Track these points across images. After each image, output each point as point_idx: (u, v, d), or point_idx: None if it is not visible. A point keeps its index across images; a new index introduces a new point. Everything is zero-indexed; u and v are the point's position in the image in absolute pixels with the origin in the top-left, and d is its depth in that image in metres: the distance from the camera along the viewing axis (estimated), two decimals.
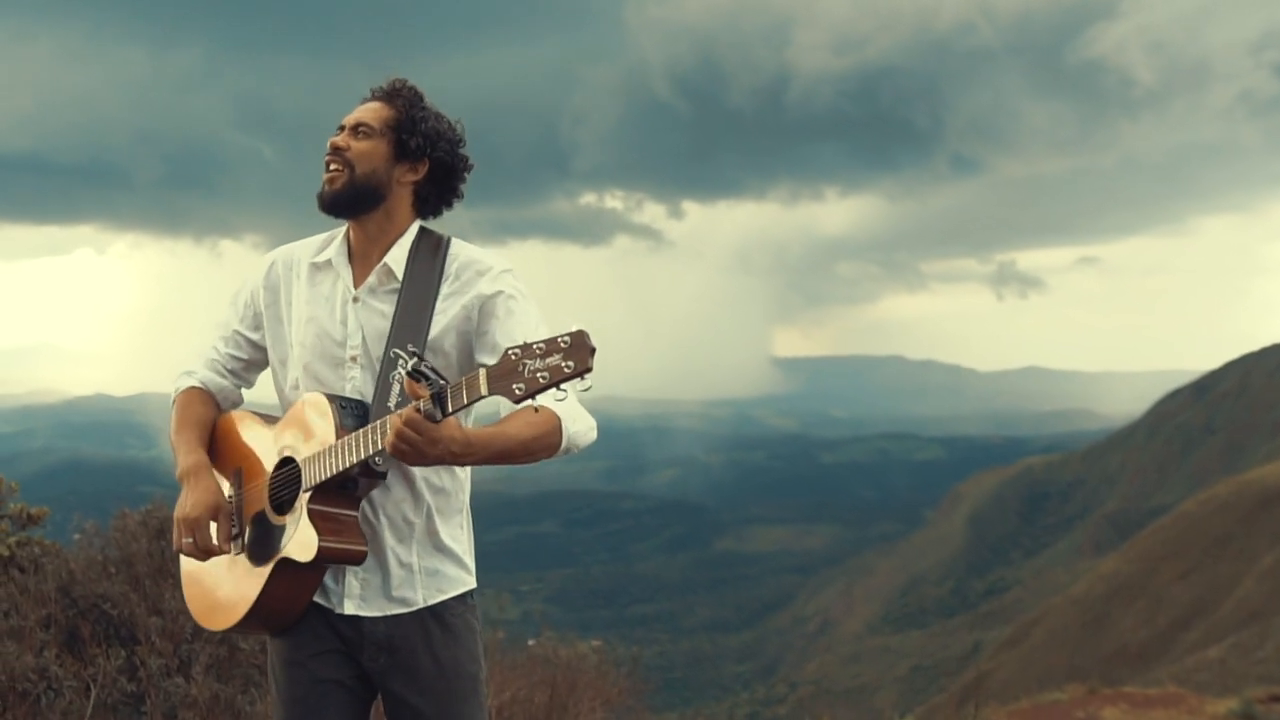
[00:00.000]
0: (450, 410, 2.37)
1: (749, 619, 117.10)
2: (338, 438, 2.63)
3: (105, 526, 6.26)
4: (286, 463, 2.76)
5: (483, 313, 2.78)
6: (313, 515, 2.65)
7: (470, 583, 2.92)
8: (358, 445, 2.57)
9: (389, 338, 2.76)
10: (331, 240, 2.93)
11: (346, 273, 2.86)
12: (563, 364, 2.26)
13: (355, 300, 2.83)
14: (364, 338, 2.80)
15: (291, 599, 2.77)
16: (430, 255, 2.84)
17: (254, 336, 2.97)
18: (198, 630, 5.43)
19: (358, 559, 2.72)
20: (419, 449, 2.42)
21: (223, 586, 2.83)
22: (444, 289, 2.81)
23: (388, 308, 2.80)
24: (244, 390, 3.06)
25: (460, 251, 2.86)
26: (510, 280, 2.82)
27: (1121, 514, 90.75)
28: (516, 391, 2.28)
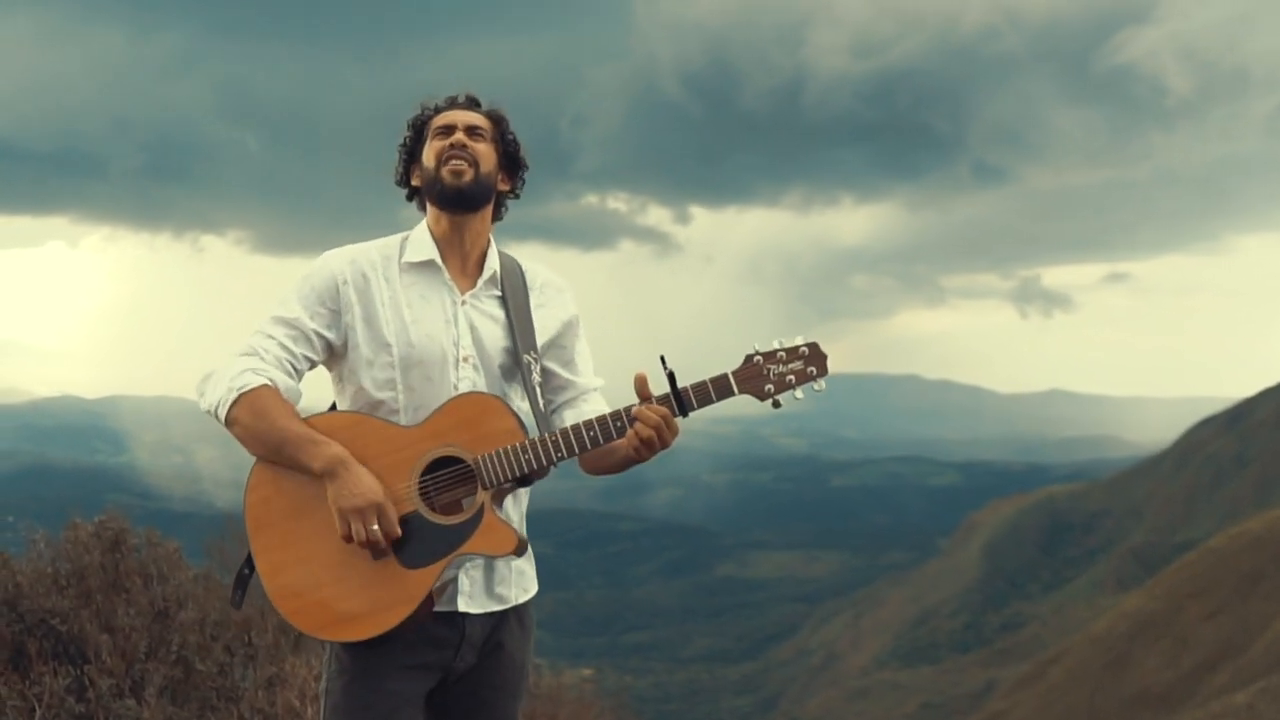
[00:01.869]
0: (696, 407, 2.91)
1: (750, 650, 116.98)
2: (525, 437, 2.93)
3: (58, 536, 6.21)
4: (444, 462, 2.93)
5: (569, 331, 3.23)
6: (495, 513, 2.92)
7: (537, 584, 3.26)
8: (569, 441, 2.92)
9: (513, 341, 3.08)
10: (408, 241, 3.14)
11: (447, 274, 3.10)
12: (806, 369, 2.92)
13: (464, 303, 3.08)
14: (475, 340, 3.06)
15: (438, 595, 2.99)
16: (510, 265, 3.19)
17: (330, 336, 3.05)
18: (151, 650, 5.40)
19: (526, 549, 3.07)
20: (666, 442, 2.92)
21: (364, 591, 2.90)
22: (532, 300, 3.17)
23: (498, 312, 3.11)
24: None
25: (529, 264, 3.25)
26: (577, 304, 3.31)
27: (1147, 548, 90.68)
28: (768, 391, 2.90)
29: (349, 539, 2.84)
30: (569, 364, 3.23)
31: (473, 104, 3.17)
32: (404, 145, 3.19)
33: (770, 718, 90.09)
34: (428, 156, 3.09)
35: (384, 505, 2.84)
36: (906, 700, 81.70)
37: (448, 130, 3.08)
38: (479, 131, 3.10)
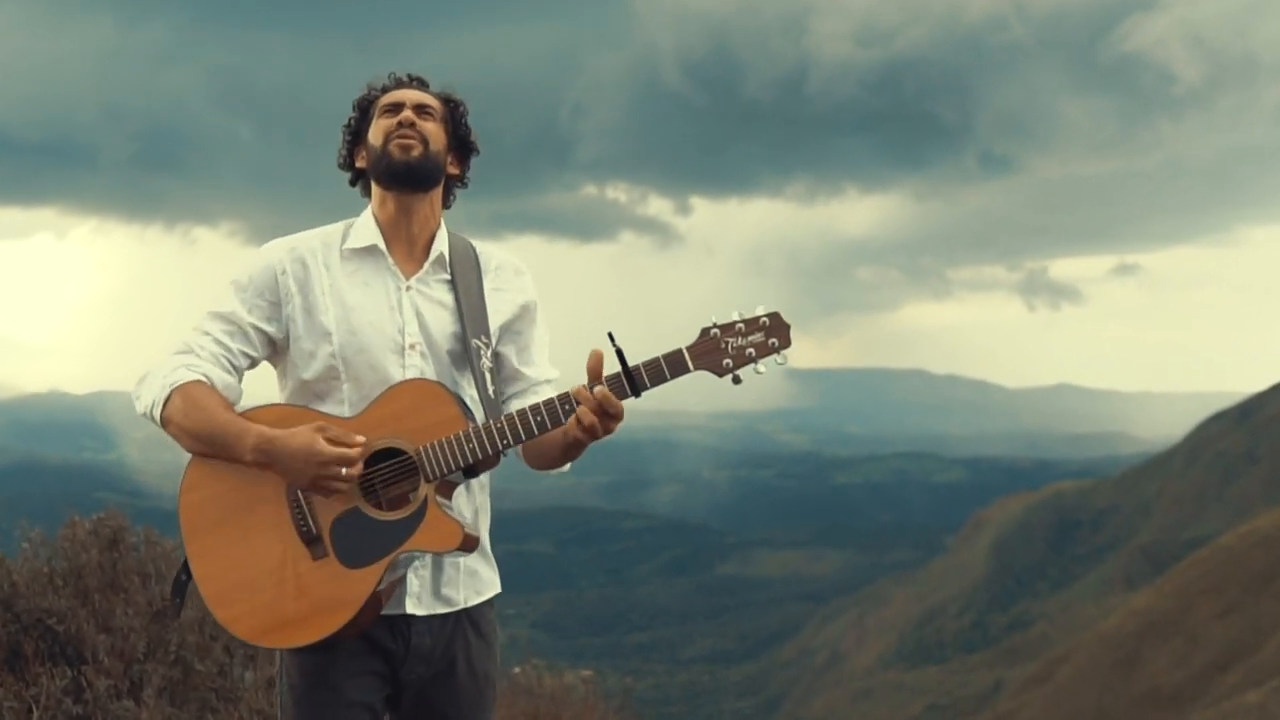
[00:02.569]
0: (650, 386, 2.76)
1: (752, 650, 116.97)
2: (468, 425, 2.82)
3: (53, 535, 6.23)
4: (387, 454, 2.83)
5: (525, 315, 3.13)
6: (440, 506, 2.81)
7: (499, 586, 3.14)
8: (514, 428, 2.80)
9: (462, 327, 2.98)
10: (351, 228, 3.05)
11: (391, 259, 3.01)
12: (767, 340, 2.75)
13: (408, 289, 3.00)
14: (421, 326, 2.97)
15: (386, 597, 2.87)
16: (461, 248, 3.10)
17: (269, 330, 2.97)
18: (150, 650, 5.42)
19: (476, 545, 2.91)
20: (609, 427, 2.78)
21: (304, 594, 2.81)
22: (486, 284, 3.07)
23: (446, 297, 3.02)
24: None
25: (484, 247, 3.15)
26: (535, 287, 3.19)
27: (1157, 545, 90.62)
28: (726, 365, 2.74)
29: (327, 494, 2.78)
30: (523, 351, 3.13)
31: (421, 84, 3.10)
32: (348, 126, 3.10)
33: (773, 719, 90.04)
34: (374, 135, 3.00)
35: (326, 455, 2.72)
36: (912, 701, 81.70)
37: (396, 108, 3.00)
38: (428, 110, 3.02)
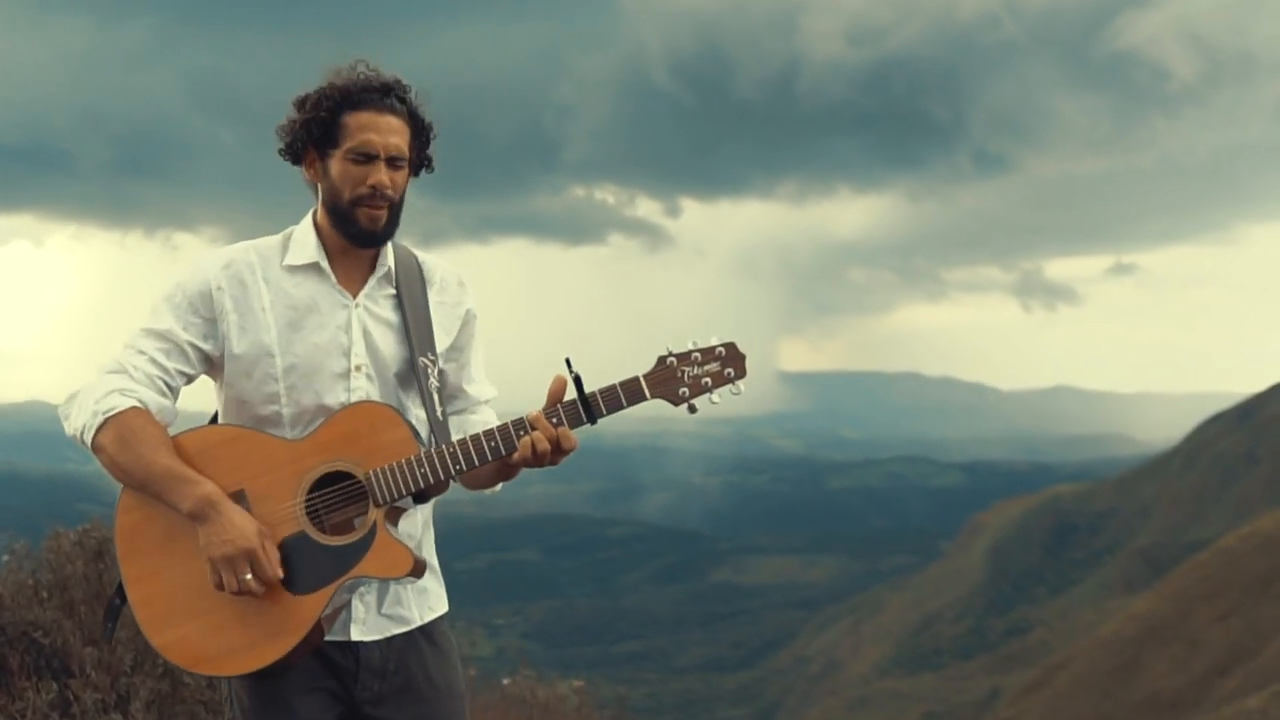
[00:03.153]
0: (606, 414, 2.79)
1: (747, 658, 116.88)
2: (419, 449, 2.78)
3: (37, 547, 6.22)
4: (333, 478, 2.79)
5: (465, 329, 3.07)
6: (389, 531, 2.79)
7: (447, 604, 3.11)
8: (467, 452, 2.78)
9: (409, 346, 2.92)
10: (291, 240, 2.94)
11: (334, 276, 2.92)
12: (723, 371, 2.81)
13: (356, 307, 2.92)
14: (368, 347, 2.90)
15: (329, 624, 2.85)
16: (405, 261, 3.00)
17: (206, 348, 2.88)
18: (137, 662, 5.41)
19: (424, 571, 2.88)
20: (559, 459, 2.80)
21: (244, 622, 2.76)
22: (431, 297, 3.00)
23: (391, 315, 2.94)
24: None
25: (425, 258, 3.06)
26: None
27: (1156, 549, 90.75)
28: (682, 394, 2.80)
29: (220, 588, 2.70)
30: (464, 369, 3.08)
31: (397, 98, 2.88)
32: (307, 125, 2.86)
33: None
34: (340, 179, 2.84)
35: (256, 551, 2.68)
36: (909, 709, 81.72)
37: (368, 158, 2.82)
38: (399, 161, 2.85)
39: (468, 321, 3.08)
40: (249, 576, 2.68)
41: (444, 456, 2.78)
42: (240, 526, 2.68)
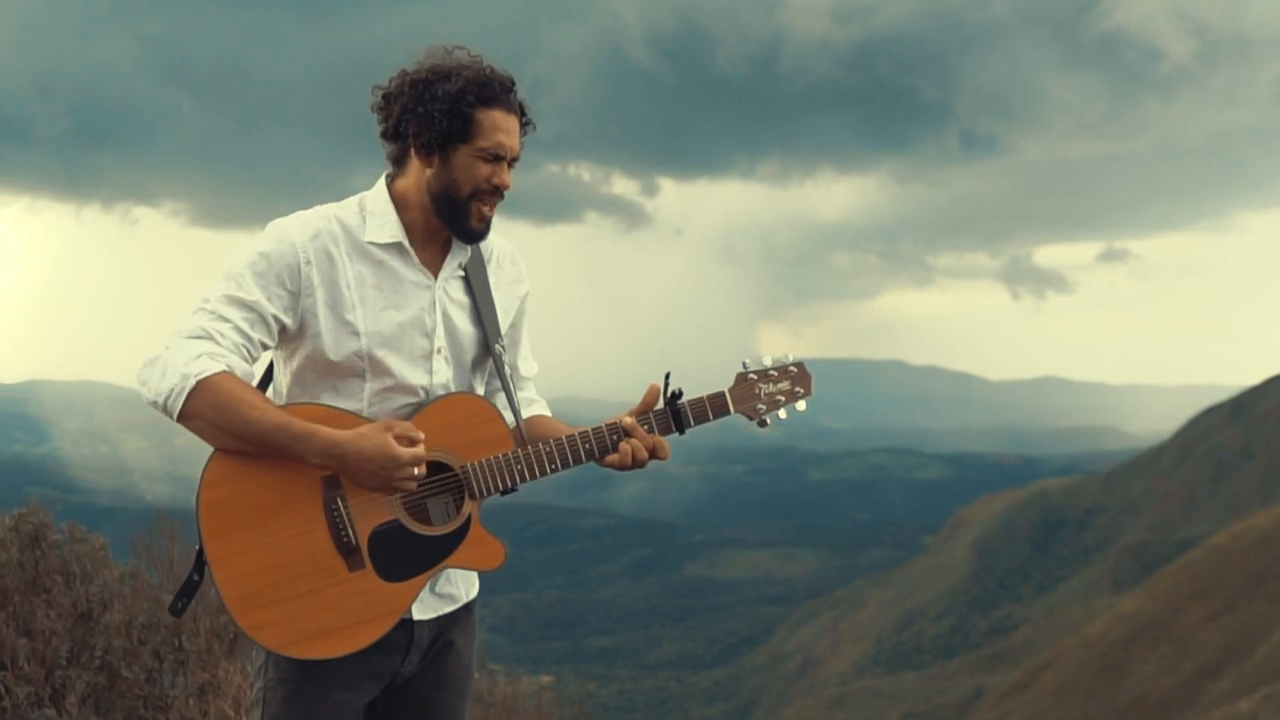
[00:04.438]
0: (693, 426, 3.03)
1: (721, 655, 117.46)
2: (514, 446, 2.96)
3: None
4: (435, 469, 2.90)
5: (521, 309, 3.21)
6: (483, 525, 2.99)
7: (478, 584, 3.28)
8: (564, 453, 2.98)
9: (481, 329, 3.04)
10: (367, 214, 2.98)
11: (416, 256, 2.99)
12: (794, 389, 3.08)
13: (437, 288, 3.00)
14: (448, 329, 3.00)
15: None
16: None
17: (286, 320, 2.89)
18: (73, 655, 5.37)
19: None
20: (655, 460, 3.00)
21: (338, 605, 2.83)
22: (490, 276, 3.11)
23: (464, 297, 3.05)
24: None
25: None
26: None
27: (1145, 546, 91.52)
28: (759, 410, 3.06)
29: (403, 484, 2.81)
30: (514, 345, 3.21)
31: (520, 109, 2.98)
32: (430, 113, 2.88)
33: None
34: (463, 173, 2.91)
35: (402, 458, 2.76)
36: (889, 709, 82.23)
37: (497, 158, 2.91)
38: (515, 163, 2.98)
39: (525, 299, 3.21)
40: (416, 471, 2.79)
41: (540, 456, 2.97)
42: (374, 451, 2.77)
